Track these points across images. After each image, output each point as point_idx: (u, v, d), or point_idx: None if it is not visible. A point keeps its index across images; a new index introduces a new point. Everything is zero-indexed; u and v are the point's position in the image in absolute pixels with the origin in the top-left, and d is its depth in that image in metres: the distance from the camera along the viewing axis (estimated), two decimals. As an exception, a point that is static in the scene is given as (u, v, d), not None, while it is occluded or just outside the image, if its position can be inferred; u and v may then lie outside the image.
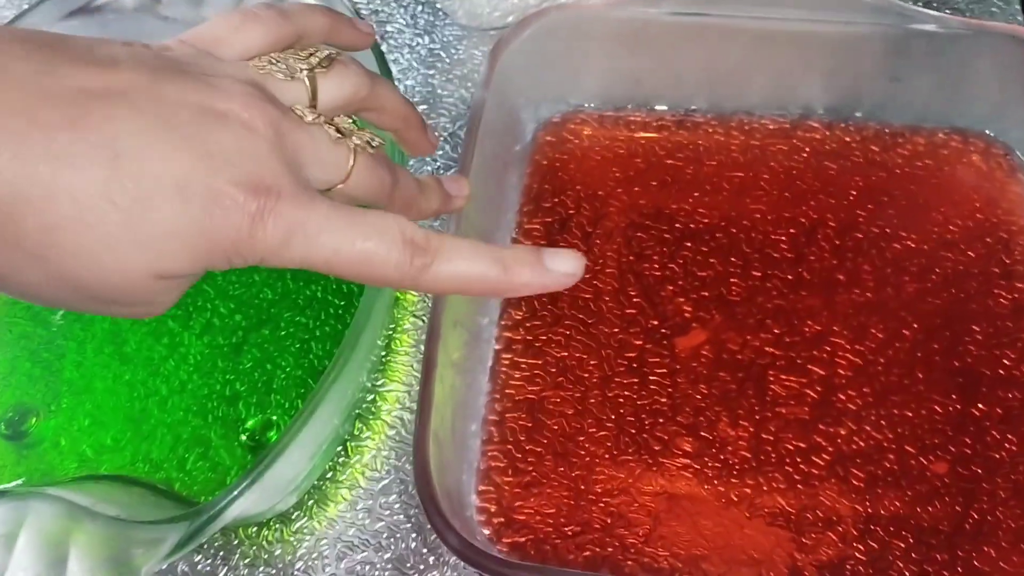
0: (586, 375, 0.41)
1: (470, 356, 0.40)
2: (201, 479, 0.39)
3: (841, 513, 0.37)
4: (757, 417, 0.39)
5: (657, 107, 0.49)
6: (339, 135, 0.27)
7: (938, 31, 0.43)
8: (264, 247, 0.23)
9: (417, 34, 0.56)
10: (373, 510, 0.40)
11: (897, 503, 0.37)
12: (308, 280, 0.44)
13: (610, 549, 0.36)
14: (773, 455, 0.38)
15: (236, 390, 0.41)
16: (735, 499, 0.37)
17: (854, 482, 0.37)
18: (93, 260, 0.22)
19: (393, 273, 0.25)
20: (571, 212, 0.46)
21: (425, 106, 0.52)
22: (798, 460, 0.38)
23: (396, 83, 0.52)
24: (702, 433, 0.39)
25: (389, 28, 0.56)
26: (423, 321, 0.45)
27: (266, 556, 0.39)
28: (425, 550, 0.39)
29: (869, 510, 0.37)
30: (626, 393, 0.40)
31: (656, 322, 0.42)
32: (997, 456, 0.38)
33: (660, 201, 0.46)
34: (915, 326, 0.41)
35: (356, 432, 0.42)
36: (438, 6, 0.56)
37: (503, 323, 0.43)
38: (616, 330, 0.42)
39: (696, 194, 0.46)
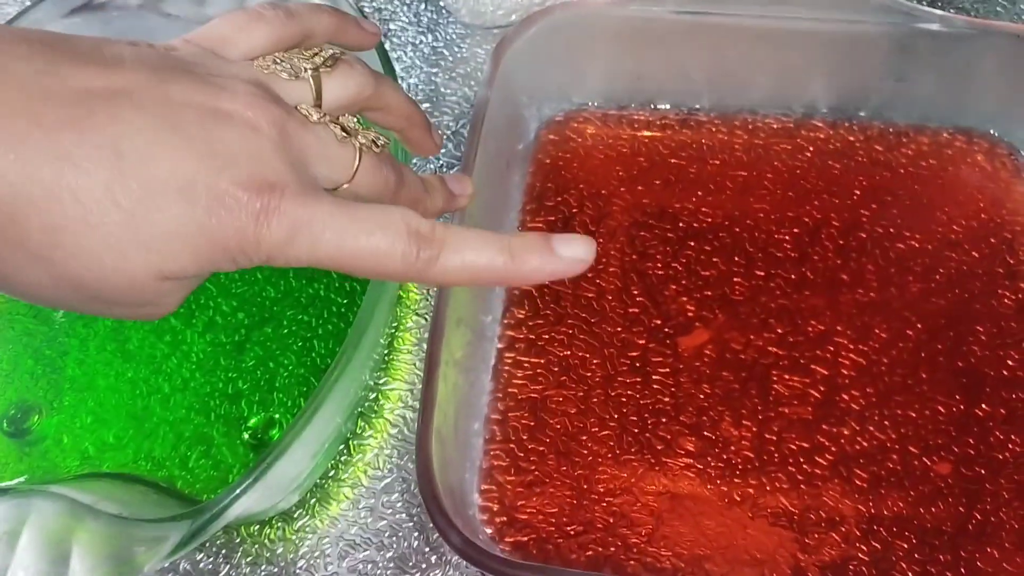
0: (589, 374, 0.41)
1: (473, 355, 0.40)
2: (203, 477, 0.39)
3: (844, 513, 0.37)
4: (760, 417, 0.39)
5: (660, 106, 0.49)
6: (344, 134, 0.27)
7: (943, 30, 0.42)
8: (269, 246, 0.23)
9: (420, 32, 0.56)
10: (375, 509, 0.40)
11: (900, 503, 0.37)
12: (311, 278, 0.44)
13: (612, 549, 0.36)
14: (776, 455, 0.38)
15: (238, 388, 0.41)
16: (738, 499, 0.37)
17: (857, 482, 0.37)
18: (95, 261, 0.22)
19: (400, 266, 0.25)
20: (574, 211, 0.46)
21: (428, 104, 0.52)
22: (801, 460, 0.38)
23: (399, 81, 0.52)
24: (705, 433, 0.39)
25: (392, 26, 0.56)
26: (426, 319, 0.45)
27: (268, 554, 0.39)
28: (427, 549, 0.39)
29: (872, 510, 0.37)
30: (629, 392, 0.40)
31: (659, 321, 0.42)
32: (1001, 457, 0.38)
33: (663, 200, 0.46)
34: (919, 326, 0.41)
35: (358, 430, 0.42)
36: (441, 4, 0.56)
37: (506, 321, 0.43)
38: (619, 329, 0.42)
39: (699, 193, 0.46)
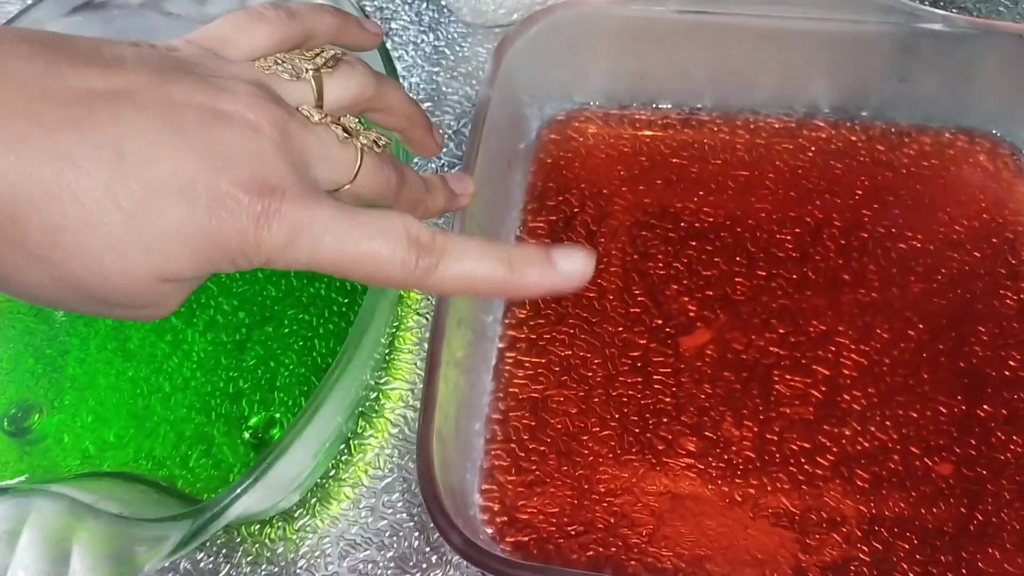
0: (590, 374, 0.41)
1: (474, 354, 0.40)
2: (204, 476, 0.39)
3: (845, 514, 0.37)
4: (761, 417, 0.39)
5: (662, 105, 0.49)
6: (346, 135, 0.27)
7: (945, 30, 0.42)
8: (269, 248, 0.23)
9: (422, 31, 0.56)
10: (376, 508, 0.40)
11: (902, 504, 0.37)
12: (312, 277, 0.44)
13: (613, 549, 0.36)
14: (777, 455, 0.38)
15: (239, 387, 0.41)
16: (739, 499, 0.37)
17: (858, 483, 0.37)
18: (96, 261, 0.22)
19: (399, 273, 0.25)
20: (575, 210, 0.46)
21: (429, 104, 0.52)
22: (802, 460, 0.38)
23: (401, 81, 0.52)
24: (706, 433, 0.39)
25: (394, 25, 0.56)
26: (427, 319, 0.45)
27: (268, 554, 0.39)
28: (428, 549, 0.39)
29: (873, 511, 0.37)
30: (630, 392, 0.40)
31: (660, 321, 0.42)
32: (1002, 457, 0.38)
33: (665, 200, 0.46)
34: (920, 326, 0.41)
35: (359, 430, 0.42)
36: (443, 3, 0.56)
37: (507, 321, 0.43)
38: (620, 329, 0.42)
39: (701, 193, 0.46)
